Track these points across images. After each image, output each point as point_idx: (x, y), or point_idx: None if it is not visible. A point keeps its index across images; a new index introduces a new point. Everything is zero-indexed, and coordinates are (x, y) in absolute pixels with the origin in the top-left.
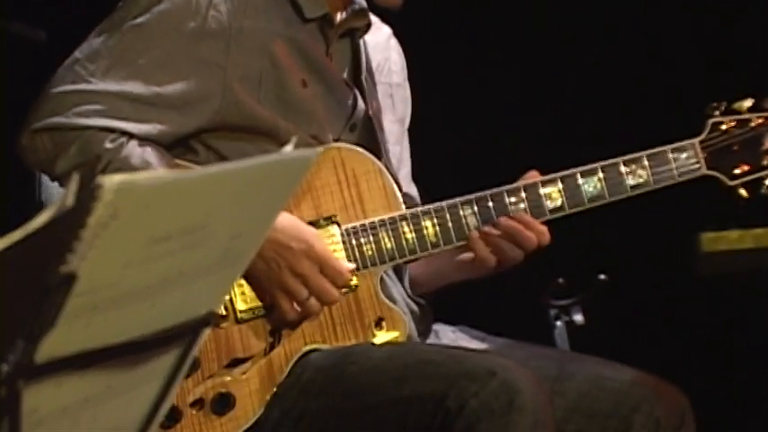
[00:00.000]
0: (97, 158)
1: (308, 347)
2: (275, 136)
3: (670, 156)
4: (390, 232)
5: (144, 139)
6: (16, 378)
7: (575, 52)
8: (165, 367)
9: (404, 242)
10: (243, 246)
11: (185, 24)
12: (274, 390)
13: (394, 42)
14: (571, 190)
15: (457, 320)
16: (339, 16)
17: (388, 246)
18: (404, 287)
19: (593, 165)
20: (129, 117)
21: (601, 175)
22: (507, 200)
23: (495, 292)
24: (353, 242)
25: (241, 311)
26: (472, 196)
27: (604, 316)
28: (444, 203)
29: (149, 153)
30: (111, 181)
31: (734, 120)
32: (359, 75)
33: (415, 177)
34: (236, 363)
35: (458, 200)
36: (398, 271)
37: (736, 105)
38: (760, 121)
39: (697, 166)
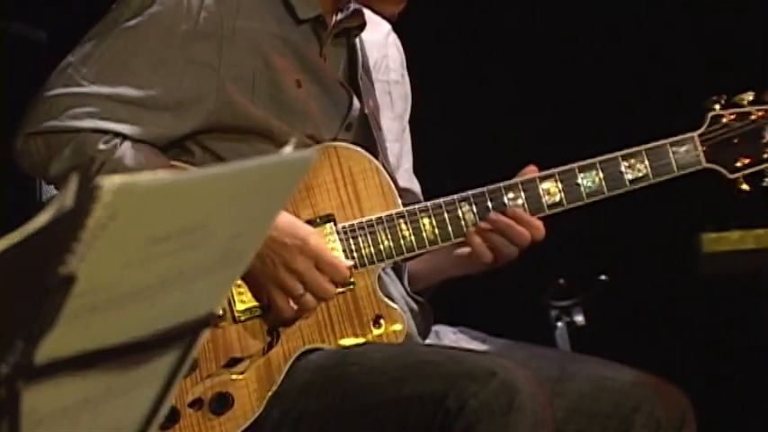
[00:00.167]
0: (91, 160)
1: (306, 347)
2: (270, 136)
3: (669, 149)
4: (388, 230)
5: (138, 141)
6: (16, 379)
7: (575, 51)
8: (165, 368)
9: (401, 240)
10: (243, 246)
11: (178, 26)
12: (273, 389)
13: (393, 38)
14: (570, 185)
15: (458, 322)
16: (333, 18)
17: (386, 244)
18: (403, 285)
19: (591, 159)
20: (122, 119)
21: (599, 169)
22: (505, 196)
23: (496, 293)
24: (350, 240)
25: (239, 311)
26: (470, 193)
27: (605, 317)
28: (442, 200)
29: (143, 154)
30: (110, 182)
31: (734, 113)
32: (355, 74)
33: (416, 174)
34: (234, 362)
35: (455, 197)
36: (397, 269)
37: (737, 98)
38: (760, 113)
39: (697, 159)
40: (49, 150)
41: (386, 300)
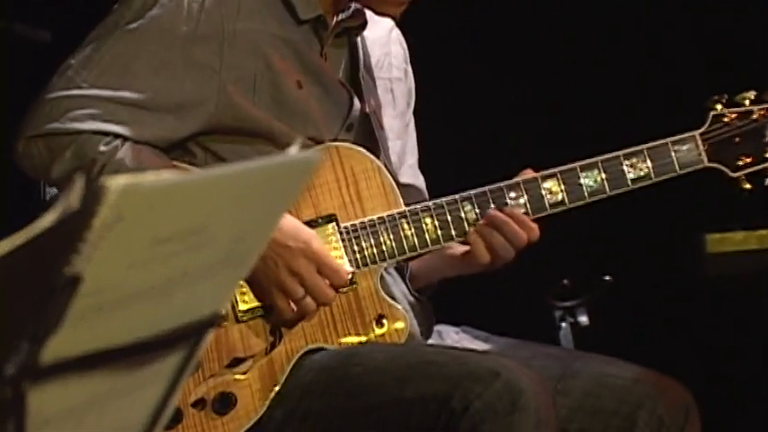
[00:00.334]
0: (92, 162)
1: (309, 346)
2: (271, 138)
3: (671, 148)
4: (390, 230)
5: (139, 143)
6: (21, 379)
7: (576, 51)
8: (170, 368)
9: (404, 240)
10: (247, 247)
11: (178, 28)
12: (276, 389)
13: (395, 34)
14: (572, 184)
15: (461, 322)
16: (334, 18)
17: (388, 244)
18: (406, 285)
19: (593, 159)
20: (123, 121)
21: (601, 168)
22: (507, 195)
23: (499, 293)
24: (353, 240)
25: (241, 311)
26: (471, 192)
27: (609, 317)
28: (444, 200)
29: (145, 155)
30: (116, 183)
31: (735, 112)
32: (356, 73)
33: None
34: (236, 362)
35: (457, 196)
36: (400, 269)
37: (738, 98)
38: (762, 112)
39: (698, 158)
40: (50, 153)
41: (388, 299)
